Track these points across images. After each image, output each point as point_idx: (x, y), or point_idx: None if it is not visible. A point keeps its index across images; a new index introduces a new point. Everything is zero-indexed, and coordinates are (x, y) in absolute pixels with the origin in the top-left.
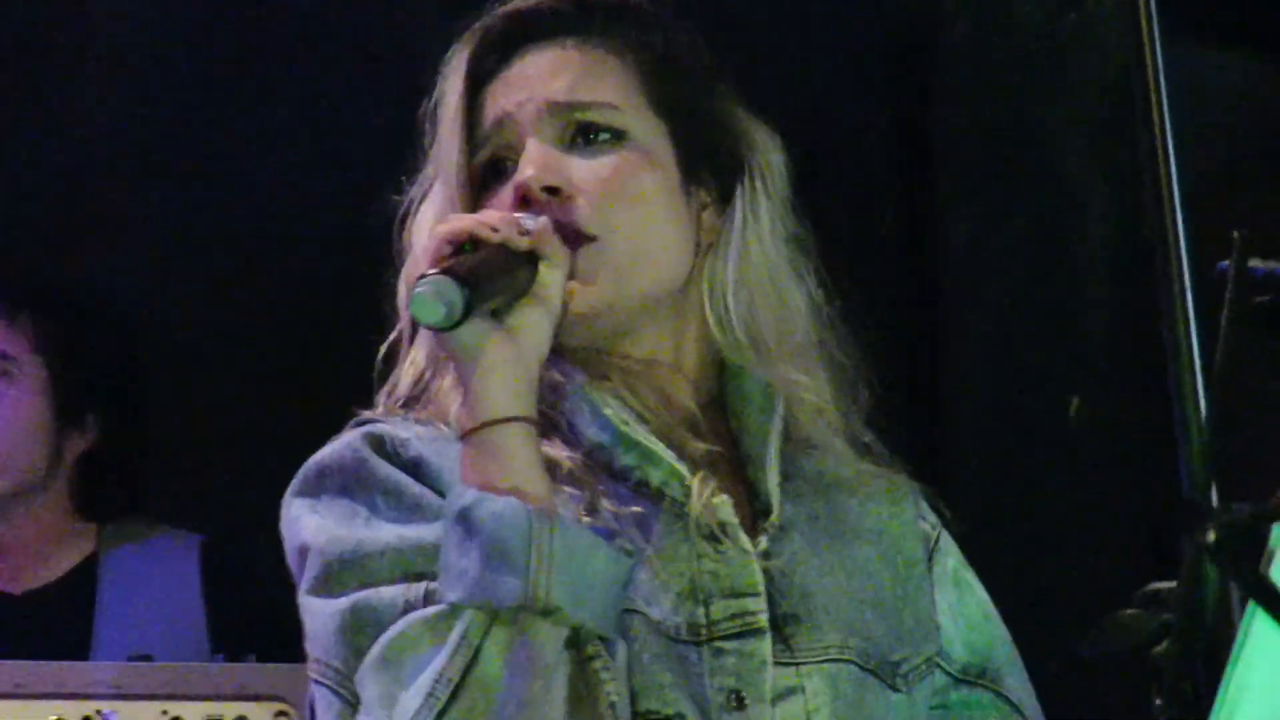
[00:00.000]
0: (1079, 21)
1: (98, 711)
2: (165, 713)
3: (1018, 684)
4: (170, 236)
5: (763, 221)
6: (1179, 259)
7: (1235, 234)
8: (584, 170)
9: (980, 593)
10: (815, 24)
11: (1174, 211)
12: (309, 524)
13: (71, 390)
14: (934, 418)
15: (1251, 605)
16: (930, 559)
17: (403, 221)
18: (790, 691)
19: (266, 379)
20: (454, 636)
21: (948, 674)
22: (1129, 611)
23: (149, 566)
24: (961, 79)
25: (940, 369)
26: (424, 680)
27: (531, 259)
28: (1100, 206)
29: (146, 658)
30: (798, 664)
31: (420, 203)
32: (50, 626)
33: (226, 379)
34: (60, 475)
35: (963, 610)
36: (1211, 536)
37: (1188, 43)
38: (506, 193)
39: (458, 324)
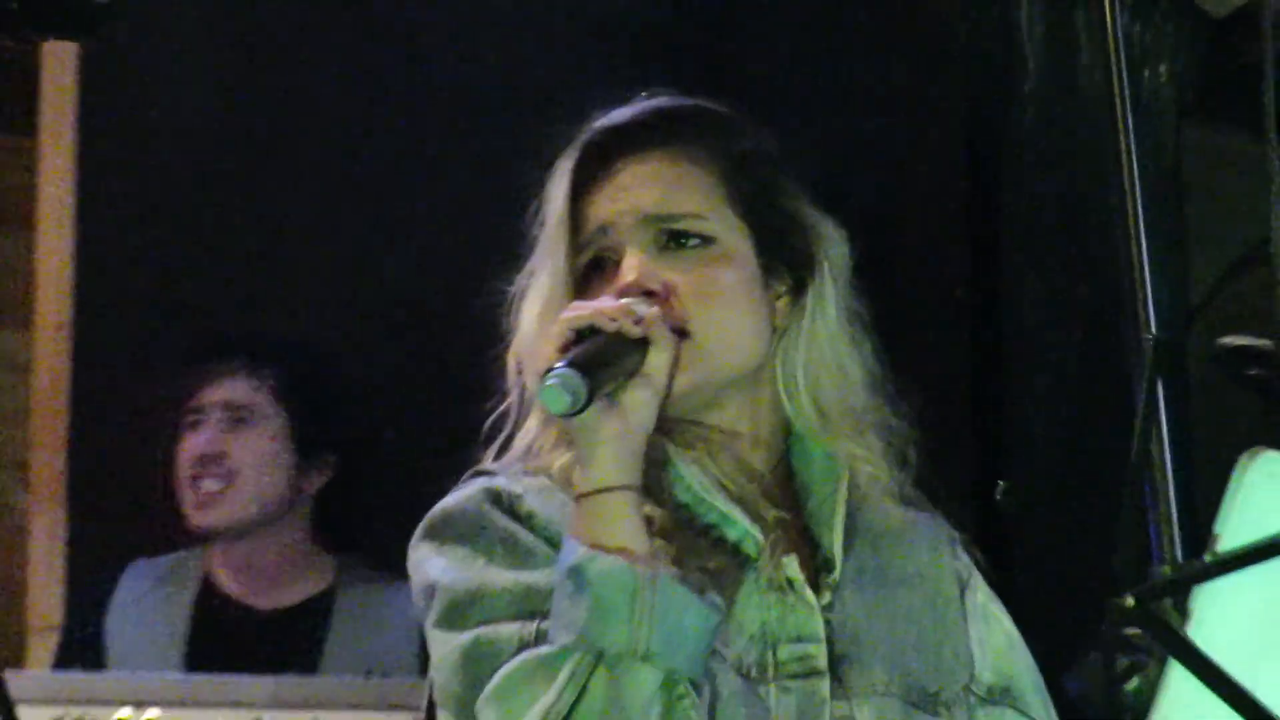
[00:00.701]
0: (1143, 105)
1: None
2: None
3: (1037, 701)
4: (381, 301)
5: (829, 309)
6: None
7: (1149, 338)
8: (676, 273)
9: (1006, 624)
10: (889, 101)
11: (1144, 278)
12: (435, 565)
13: (310, 433)
14: (999, 481)
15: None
16: (963, 596)
17: (509, 305)
18: None
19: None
20: (563, 675)
21: (976, 695)
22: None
23: (378, 608)
24: (1030, 154)
25: (1006, 434)
26: (535, 712)
27: (641, 343)
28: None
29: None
30: (850, 699)
31: (526, 291)
32: (287, 644)
33: (428, 428)
34: (301, 506)
35: (990, 640)
36: (1130, 601)
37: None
38: (607, 290)
39: (578, 410)
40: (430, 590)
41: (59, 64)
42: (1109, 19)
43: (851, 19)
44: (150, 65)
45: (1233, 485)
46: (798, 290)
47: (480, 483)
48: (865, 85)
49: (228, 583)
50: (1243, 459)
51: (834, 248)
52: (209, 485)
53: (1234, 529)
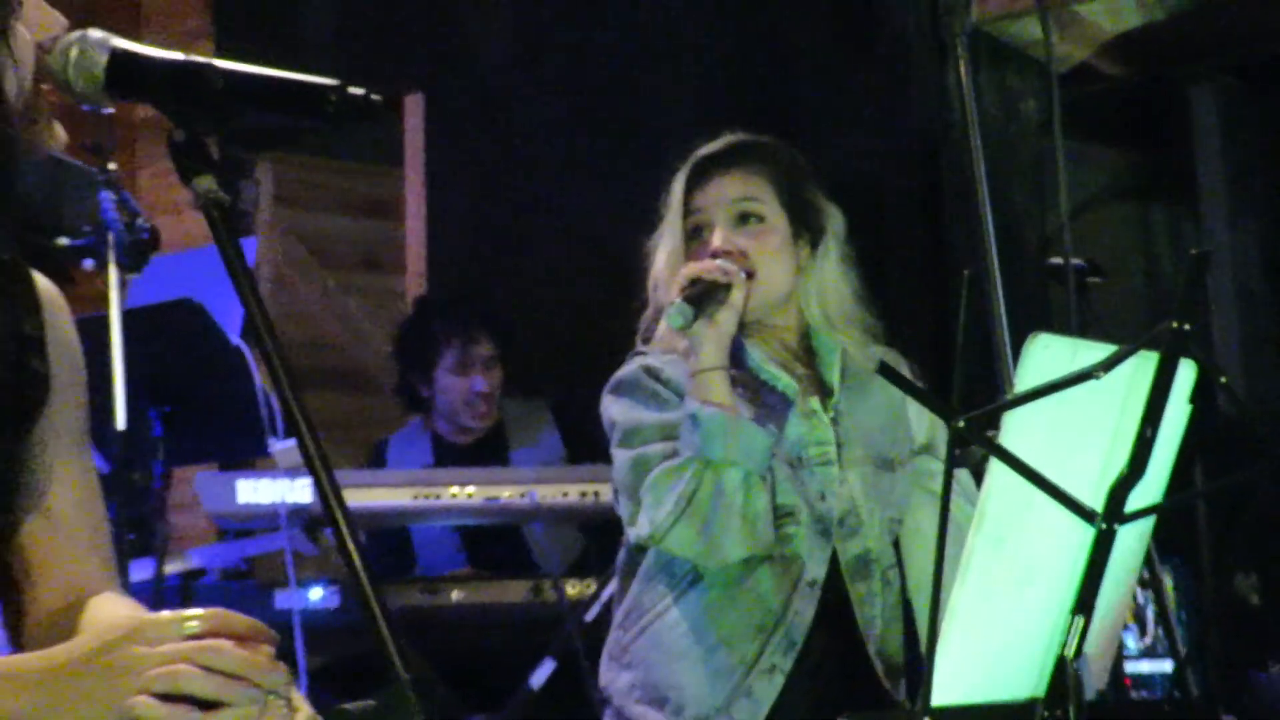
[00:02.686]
0: (1019, 126)
1: (527, 491)
2: (558, 490)
3: (945, 452)
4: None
5: (831, 255)
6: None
7: (965, 273)
8: (745, 241)
9: (929, 414)
10: (866, 126)
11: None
12: (615, 409)
13: (514, 371)
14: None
15: (991, 460)
16: (904, 403)
17: (648, 253)
18: (843, 482)
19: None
20: (687, 475)
21: (912, 451)
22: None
23: (529, 422)
24: (962, 158)
25: (949, 324)
26: (672, 496)
27: (728, 287)
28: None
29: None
30: (844, 469)
31: (657, 246)
32: (487, 455)
33: (586, 313)
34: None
35: (919, 420)
36: (961, 423)
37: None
38: (705, 250)
39: (689, 326)
40: (612, 425)
41: (414, 115)
42: (963, 83)
43: (853, 81)
44: (466, 113)
45: (1022, 356)
46: (814, 245)
47: (637, 360)
48: (867, 122)
49: (439, 430)
50: (1028, 339)
51: (835, 220)
52: (482, 408)
53: (1022, 383)
